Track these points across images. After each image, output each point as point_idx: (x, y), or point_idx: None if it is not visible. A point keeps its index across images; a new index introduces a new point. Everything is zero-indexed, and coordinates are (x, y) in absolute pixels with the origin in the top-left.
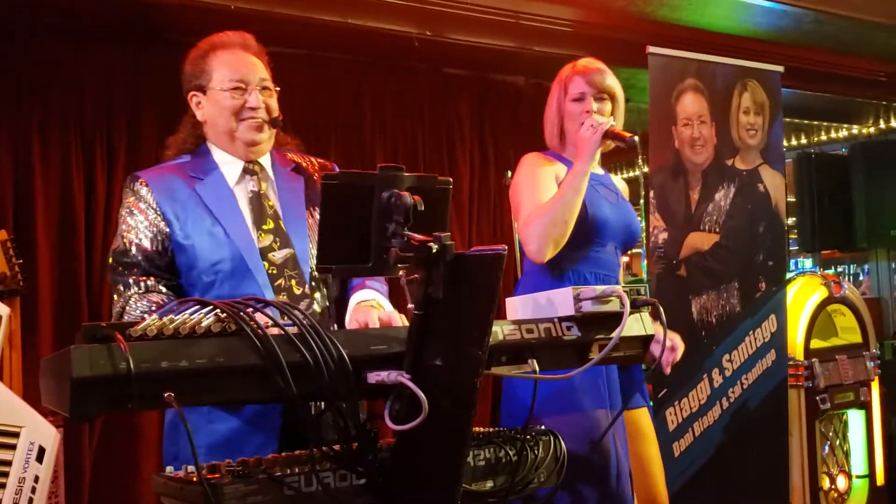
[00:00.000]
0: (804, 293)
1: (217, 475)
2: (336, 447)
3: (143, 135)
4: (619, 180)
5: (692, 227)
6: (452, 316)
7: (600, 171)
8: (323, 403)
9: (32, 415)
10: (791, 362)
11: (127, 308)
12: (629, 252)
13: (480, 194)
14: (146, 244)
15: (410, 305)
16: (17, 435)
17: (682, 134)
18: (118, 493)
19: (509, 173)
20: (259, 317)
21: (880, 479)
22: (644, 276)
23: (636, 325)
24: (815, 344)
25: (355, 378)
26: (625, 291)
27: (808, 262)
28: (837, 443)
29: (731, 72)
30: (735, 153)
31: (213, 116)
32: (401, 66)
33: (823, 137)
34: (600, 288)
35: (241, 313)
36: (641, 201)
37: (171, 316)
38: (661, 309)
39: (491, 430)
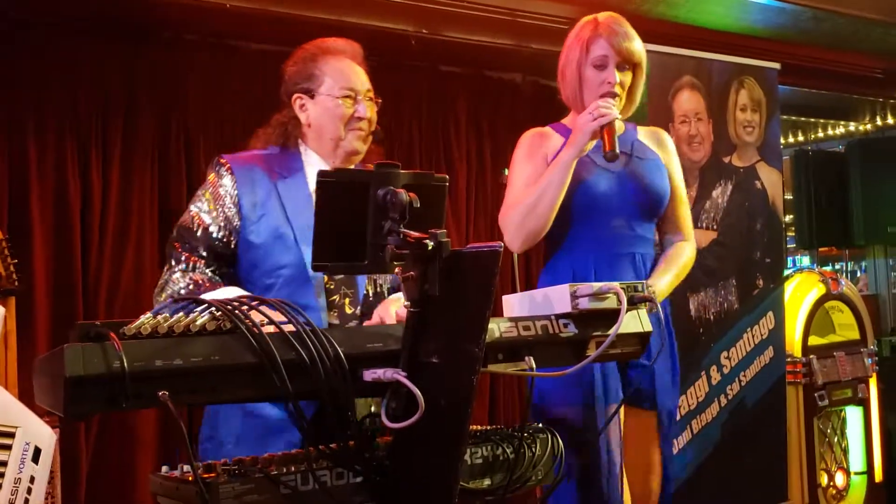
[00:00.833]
0: (802, 290)
1: (213, 474)
2: (333, 445)
3: (140, 134)
4: (648, 134)
5: None
6: (449, 313)
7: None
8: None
9: (28, 415)
10: (789, 359)
11: (170, 281)
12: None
13: (478, 192)
14: (213, 230)
15: (406, 303)
16: (12, 435)
17: (680, 131)
18: (115, 493)
19: (506, 171)
20: (254, 315)
21: (878, 475)
22: None
23: (633, 321)
24: (813, 341)
25: (351, 376)
26: (622, 288)
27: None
28: (836, 439)
29: (728, 69)
30: (732, 150)
31: (321, 121)
32: (397, 64)
33: (820, 134)
34: (597, 285)
35: (236, 311)
36: None
37: (165, 314)
38: (659, 306)
39: (488, 427)
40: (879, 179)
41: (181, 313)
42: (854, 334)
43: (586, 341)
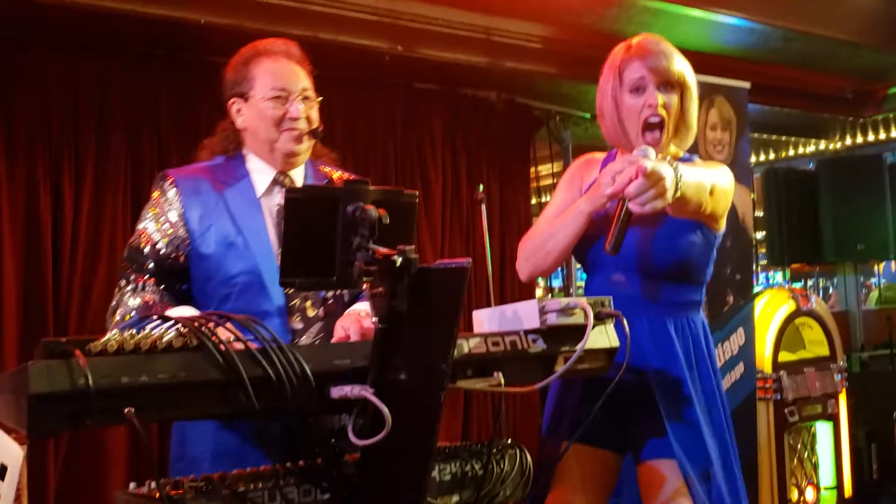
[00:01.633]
0: (772, 306)
1: (180, 491)
2: (300, 462)
3: (112, 149)
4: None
5: None
6: (417, 329)
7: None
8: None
9: None
10: (759, 375)
11: (121, 303)
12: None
13: (453, 208)
14: (161, 247)
15: (374, 319)
16: None
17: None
18: None
19: (481, 187)
20: (221, 332)
21: (848, 490)
22: None
23: (601, 337)
24: (784, 357)
25: (318, 393)
26: (589, 304)
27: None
28: (806, 455)
29: (699, 88)
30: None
31: (254, 125)
32: (372, 81)
33: (791, 153)
34: (565, 300)
35: (203, 328)
36: None
37: (132, 331)
38: (625, 321)
39: (457, 444)
40: (849, 197)
41: (148, 330)
42: (824, 350)
43: (555, 356)
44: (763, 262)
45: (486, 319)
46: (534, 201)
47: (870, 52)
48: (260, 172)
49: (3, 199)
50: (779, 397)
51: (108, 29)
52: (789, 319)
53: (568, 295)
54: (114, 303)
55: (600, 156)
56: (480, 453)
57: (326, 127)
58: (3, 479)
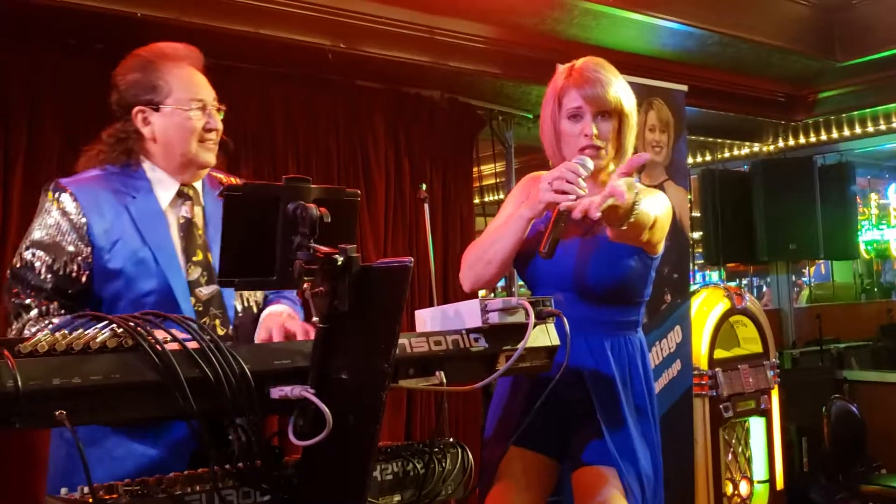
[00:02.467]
0: (708, 305)
1: (114, 495)
2: (239, 464)
3: (44, 144)
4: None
5: None
6: (358, 329)
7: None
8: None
9: None
10: (696, 372)
11: (25, 334)
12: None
13: (396, 207)
14: (58, 266)
15: (315, 318)
16: None
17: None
18: None
19: (424, 186)
20: (158, 332)
21: (780, 483)
22: None
23: (542, 335)
24: (719, 354)
25: (258, 393)
26: (530, 303)
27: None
28: (740, 449)
29: (638, 90)
30: (641, 169)
31: (168, 135)
32: (314, 78)
33: (727, 155)
34: (507, 300)
35: (139, 328)
36: None
37: (63, 331)
38: (565, 320)
39: (399, 443)
40: (781, 198)
41: (81, 330)
42: (757, 347)
43: (496, 355)
44: (699, 261)
45: (428, 319)
46: (476, 201)
47: (800, 57)
48: (162, 183)
49: None
50: (714, 393)
51: (41, 20)
52: (724, 317)
53: (510, 295)
54: (13, 336)
55: (529, 179)
56: (422, 452)
57: (267, 124)
58: None
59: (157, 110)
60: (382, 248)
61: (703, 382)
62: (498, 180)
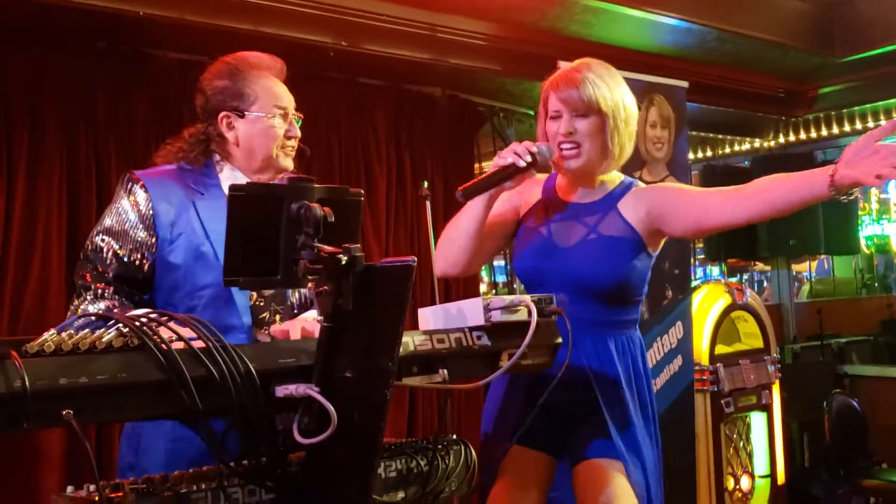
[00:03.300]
0: (709, 300)
1: (120, 493)
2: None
3: (46, 145)
4: (632, 198)
5: None
6: (362, 327)
7: (596, 197)
8: None
9: None
10: (697, 367)
11: (79, 312)
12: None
13: (398, 205)
14: (123, 253)
15: (319, 317)
16: None
17: None
18: None
19: (426, 183)
20: (163, 331)
21: (781, 478)
22: None
23: (544, 333)
24: (720, 349)
25: (263, 392)
26: (533, 301)
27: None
28: (741, 444)
29: (639, 87)
30: (642, 166)
31: (252, 141)
32: (315, 76)
33: (727, 150)
34: (509, 298)
35: (144, 327)
36: None
37: (70, 331)
38: (567, 319)
39: (402, 440)
40: None
41: (87, 330)
42: (758, 343)
43: (499, 353)
44: (700, 256)
45: (431, 317)
46: None
47: (799, 54)
48: (231, 182)
49: None
50: (715, 389)
51: (44, 19)
52: (725, 313)
53: (512, 292)
54: (70, 311)
55: (538, 178)
56: (426, 450)
57: None
58: None
59: (242, 116)
60: (384, 244)
61: (705, 378)
62: None
